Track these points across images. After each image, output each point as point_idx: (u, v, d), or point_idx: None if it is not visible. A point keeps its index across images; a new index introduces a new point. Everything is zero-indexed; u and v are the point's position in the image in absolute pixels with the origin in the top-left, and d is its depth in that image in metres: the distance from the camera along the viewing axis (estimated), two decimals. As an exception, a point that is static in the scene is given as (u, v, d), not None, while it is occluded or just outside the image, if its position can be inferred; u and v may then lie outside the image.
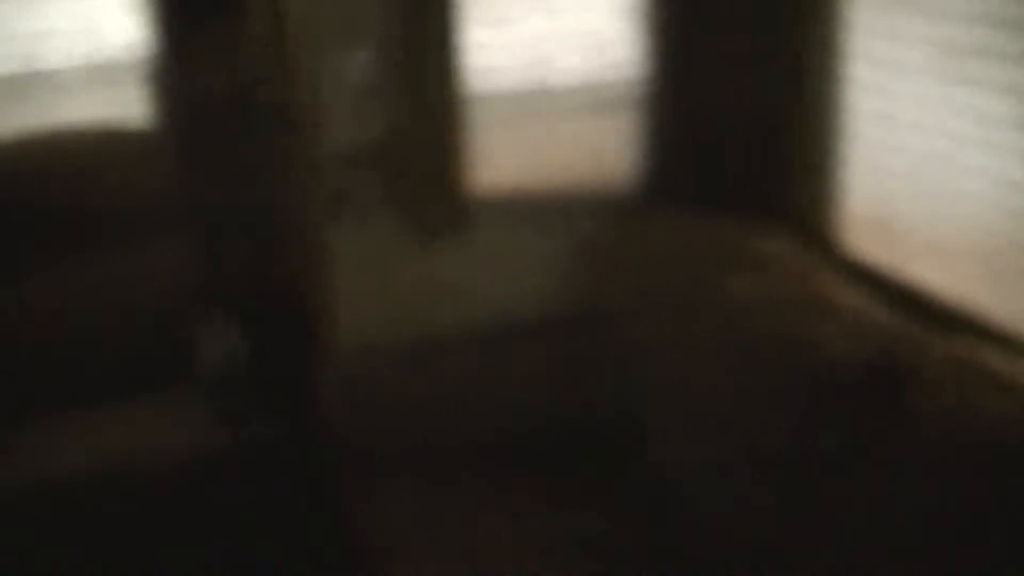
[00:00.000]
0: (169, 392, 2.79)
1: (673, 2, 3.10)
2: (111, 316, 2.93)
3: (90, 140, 3.08)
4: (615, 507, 2.45)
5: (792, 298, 2.59)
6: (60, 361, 2.89)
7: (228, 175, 3.12)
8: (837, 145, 2.94)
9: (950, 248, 2.65)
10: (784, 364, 2.36)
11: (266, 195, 3.12)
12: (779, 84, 2.97)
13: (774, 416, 2.24)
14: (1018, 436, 1.86)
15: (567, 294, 2.96)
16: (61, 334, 2.92)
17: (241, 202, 3.12)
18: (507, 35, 3.34)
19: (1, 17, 3.15)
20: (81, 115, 3.19)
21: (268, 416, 2.71)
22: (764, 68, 2.94)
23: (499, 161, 3.20)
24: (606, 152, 3.21)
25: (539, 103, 3.33)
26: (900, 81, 2.75)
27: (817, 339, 2.30)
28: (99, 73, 3.20)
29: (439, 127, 3.16)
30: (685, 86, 3.08)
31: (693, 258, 2.91)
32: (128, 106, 3.20)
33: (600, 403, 2.76)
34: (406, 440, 2.74)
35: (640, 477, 2.52)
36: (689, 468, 2.46)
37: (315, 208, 3.01)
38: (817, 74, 2.92)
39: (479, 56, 3.25)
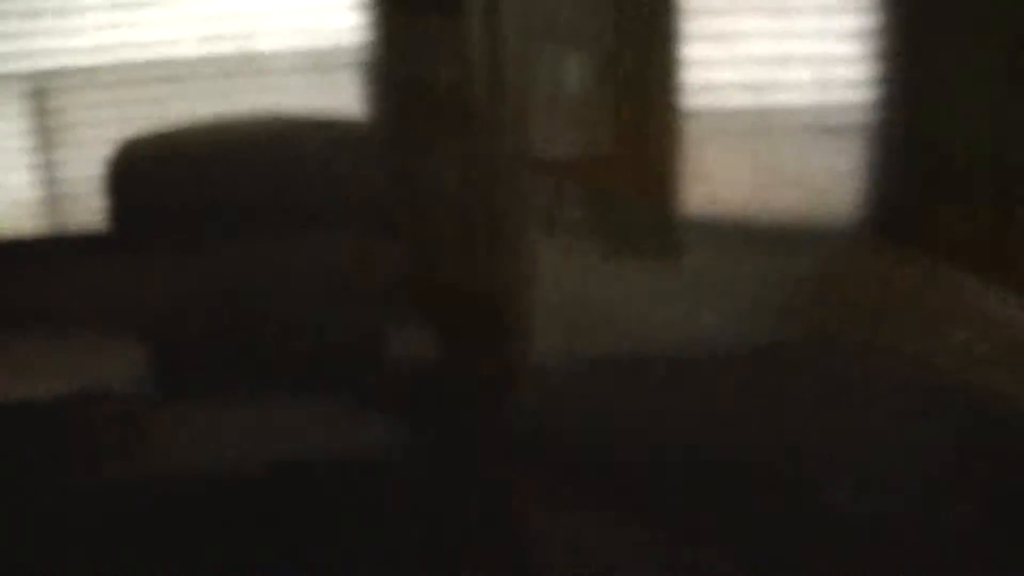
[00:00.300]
0: (354, 389, 2.78)
1: (908, 24, 2.92)
2: (302, 308, 2.94)
3: (301, 127, 3.11)
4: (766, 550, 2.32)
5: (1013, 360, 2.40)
6: (251, 351, 2.92)
7: (433, 173, 3.10)
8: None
9: None
10: (994, 426, 2.17)
11: (469, 197, 3.09)
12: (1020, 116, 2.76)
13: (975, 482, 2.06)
14: None
15: (770, 325, 2.82)
16: (252, 324, 2.95)
17: (444, 202, 3.10)
18: (732, 50, 3.21)
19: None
20: (294, 101, 3.22)
21: (450, 422, 2.66)
22: (1007, 95, 2.73)
23: (713, 181, 3.07)
24: (829, 178, 3.04)
25: (760, 122, 3.18)
26: None
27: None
28: (314, 58, 3.23)
29: (652, 142, 3.06)
30: (918, 112, 2.89)
31: (912, 301, 2.73)
32: (340, 94, 3.23)
33: (780, 441, 2.61)
34: (575, 460, 2.65)
35: (797, 521, 2.37)
36: (858, 520, 2.30)
37: (515, 217, 2.96)
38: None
39: (700, 71, 3.14)
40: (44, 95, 3.28)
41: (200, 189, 3.06)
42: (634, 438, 2.78)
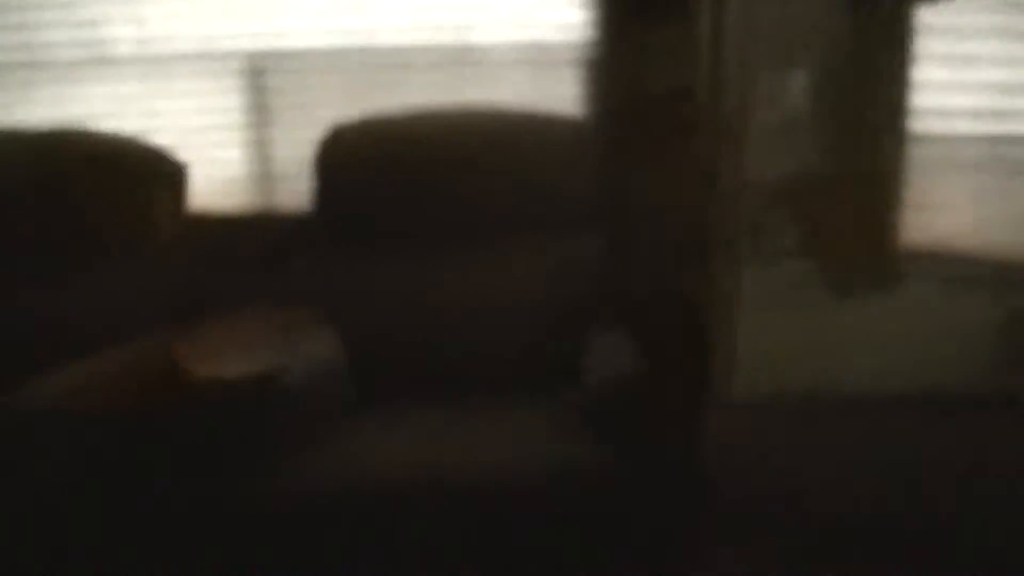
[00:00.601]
0: (549, 397, 2.73)
1: None
2: (503, 309, 2.91)
3: (514, 122, 3.06)
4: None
5: None
6: (439, 355, 2.89)
7: (645, 181, 3.04)
8: None
9: None
10: None
11: (678, 210, 3.01)
12: None
13: None
14: None
15: (995, 372, 2.66)
16: (447, 324, 2.92)
17: (653, 212, 3.03)
18: (968, 76, 3.05)
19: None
20: (508, 95, 3.19)
21: (642, 441, 2.59)
22: None
23: (939, 213, 2.92)
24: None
25: (991, 154, 3.02)
26: None
27: None
28: (532, 54, 3.19)
29: (876, 167, 2.93)
30: None
31: None
32: (555, 91, 3.19)
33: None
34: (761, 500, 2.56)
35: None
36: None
37: (724, 236, 2.86)
38: None
39: (932, 95, 2.99)
40: (262, 74, 3.32)
41: (406, 179, 3.04)
42: (831, 488, 2.63)
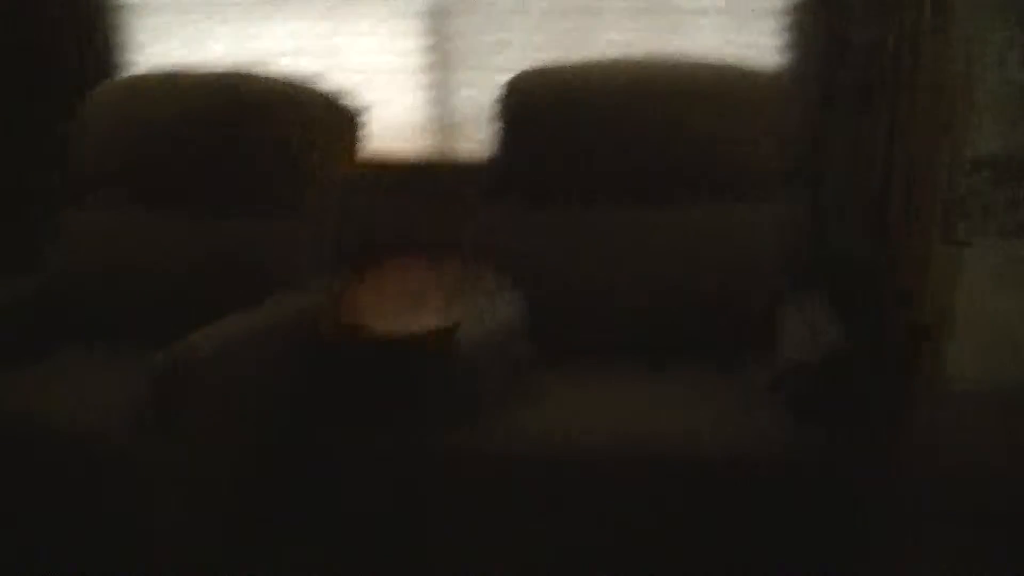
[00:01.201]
0: (732, 369, 2.60)
1: None
2: (692, 270, 2.78)
3: (707, 74, 2.91)
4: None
5: None
6: (622, 315, 2.78)
7: (843, 141, 2.87)
8: None
9: None
10: None
11: (885, 174, 2.84)
12: None
13: None
14: None
15: None
16: (627, 287, 2.80)
17: (856, 173, 2.86)
18: None
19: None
20: (704, 44, 3.05)
21: (843, 420, 2.44)
22: None
23: None
24: None
25: None
26: None
27: None
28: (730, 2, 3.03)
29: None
30: None
31: None
32: (753, 41, 3.04)
33: None
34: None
35: None
36: None
37: (934, 212, 2.64)
38: None
39: None
40: (443, 16, 3.24)
41: (590, 131, 2.92)
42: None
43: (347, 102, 3.06)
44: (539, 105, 2.93)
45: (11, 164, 3.43)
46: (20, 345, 2.90)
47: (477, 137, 3.17)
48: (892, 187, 2.72)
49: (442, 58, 3.22)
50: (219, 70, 3.13)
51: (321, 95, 3.02)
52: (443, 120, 3.28)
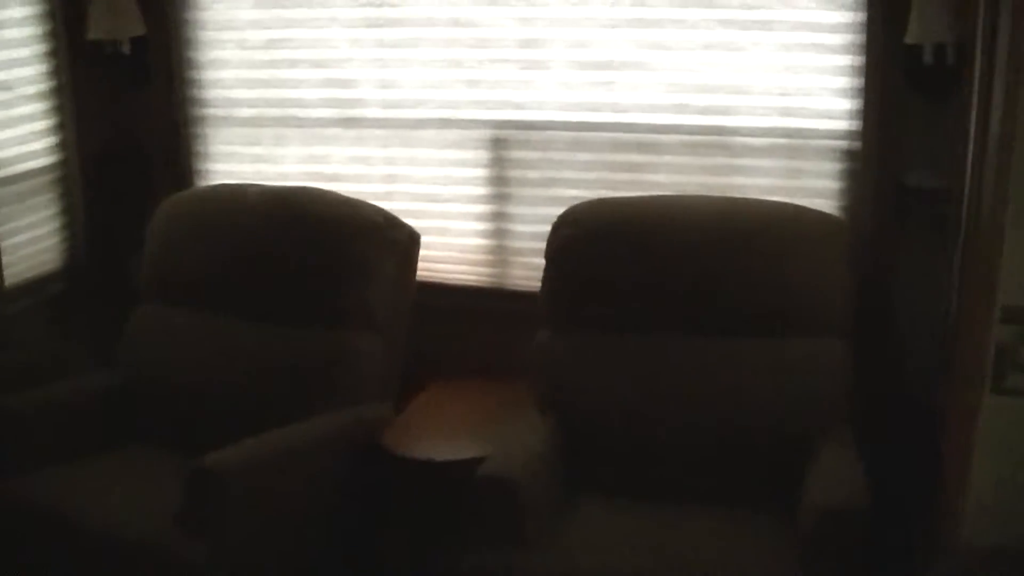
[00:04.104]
0: (769, 507, 2.74)
1: None
2: (732, 406, 2.93)
3: (763, 212, 3.06)
4: None
5: None
6: (660, 449, 2.94)
7: (901, 281, 3.00)
8: None
9: None
10: None
11: (929, 317, 2.98)
12: None
13: None
14: None
15: None
16: (669, 417, 2.96)
17: (907, 316, 3.00)
18: None
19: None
20: (762, 183, 3.24)
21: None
22: None
23: None
24: None
25: None
26: None
27: None
28: (789, 143, 3.21)
29: None
30: None
31: None
32: (809, 183, 3.22)
33: None
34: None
35: None
36: None
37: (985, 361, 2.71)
38: None
39: None
40: (502, 147, 3.47)
41: (639, 267, 3.11)
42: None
43: (407, 225, 3.35)
44: (592, 237, 3.14)
45: (97, 264, 3.78)
46: (86, 440, 3.20)
47: (531, 266, 3.42)
48: (946, 331, 2.86)
49: (500, 189, 3.49)
50: (287, 187, 3.46)
51: (383, 216, 3.32)
52: (499, 248, 3.54)
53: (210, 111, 3.74)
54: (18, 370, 3.40)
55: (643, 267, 3.10)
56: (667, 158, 3.33)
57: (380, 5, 3.48)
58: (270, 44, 3.62)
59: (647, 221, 3.14)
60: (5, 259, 3.42)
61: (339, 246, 3.26)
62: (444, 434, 3.21)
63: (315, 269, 3.27)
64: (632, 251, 3.11)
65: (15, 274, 3.50)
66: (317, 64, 3.58)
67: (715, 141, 3.28)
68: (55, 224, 3.69)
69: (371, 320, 3.25)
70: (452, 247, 3.57)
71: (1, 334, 3.39)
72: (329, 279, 3.26)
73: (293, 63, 3.61)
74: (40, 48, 3.55)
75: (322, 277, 3.26)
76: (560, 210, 3.23)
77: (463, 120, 3.47)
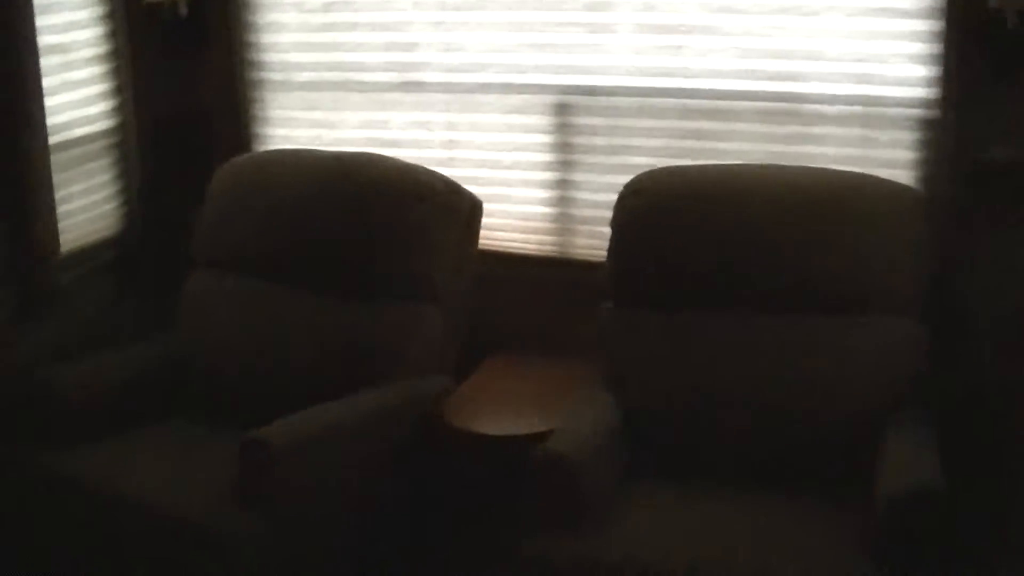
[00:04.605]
0: (832, 498, 2.68)
1: None
2: (802, 389, 2.87)
3: (837, 183, 2.98)
4: None
5: None
6: (725, 431, 2.89)
7: (977, 260, 2.93)
8: None
9: None
10: None
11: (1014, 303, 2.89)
12: None
13: None
14: None
15: None
16: (735, 399, 2.91)
17: (988, 296, 2.94)
18: None
19: None
20: (836, 153, 3.15)
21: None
22: None
23: None
24: None
25: None
26: None
27: None
28: (868, 111, 3.12)
29: None
30: None
31: None
32: (886, 153, 3.14)
33: None
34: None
35: None
36: None
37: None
38: None
39: None
40: (567, 112, 3.41)
41: (709, 239, 3.00)
42: None
43: (468, 193, 3.30)
44: (660, 208, 3.08)
45: (153, 230, 3.78)
46: (135, 413, 3.19)
47: (596, 235, 3.36)
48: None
49: (565, 156, 3.43)
50: (346, 152, 3.43)
51: (444, 183, 3.27)
52: (563, 216, 3.48)
53: (268, 75, 3.71)
54: (73, 339, 3.40)
55: (711, 240, 3.03)
56: (737, 126, 3.25)
57: (443, -37, 3.42)
58: (329, 7, 3.57)
59: (716, 192, 3.07)
60: (61, 225, 3.39)
61: (398, 213, 3.21)
62: (504, 409, 3.18)
63: (373, 238, 3.23)
64: (700, 223, 3.04)
65: (70, 240, 3.47)
66: (378, 27, 3.53)
67: (786, 108, 3.19)
68: (111, 190, 3.66)
69: (431, 290, 3.21)
70: (514, 215, 3.52)
71: (56, 301, 3.37)
72: (388, 248, 3.22)
73: (353, 26, 3.56)
74: (96, 11, 3.51)
75: (380, 246, 3.22)
76: (626, 178, 3.17)
77: (527, 85, 3.41)
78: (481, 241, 3.38)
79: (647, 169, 3.19)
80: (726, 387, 2.94)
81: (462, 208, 3.28)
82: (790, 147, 3.22)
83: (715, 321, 3.01)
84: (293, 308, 3.29)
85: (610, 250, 3.13)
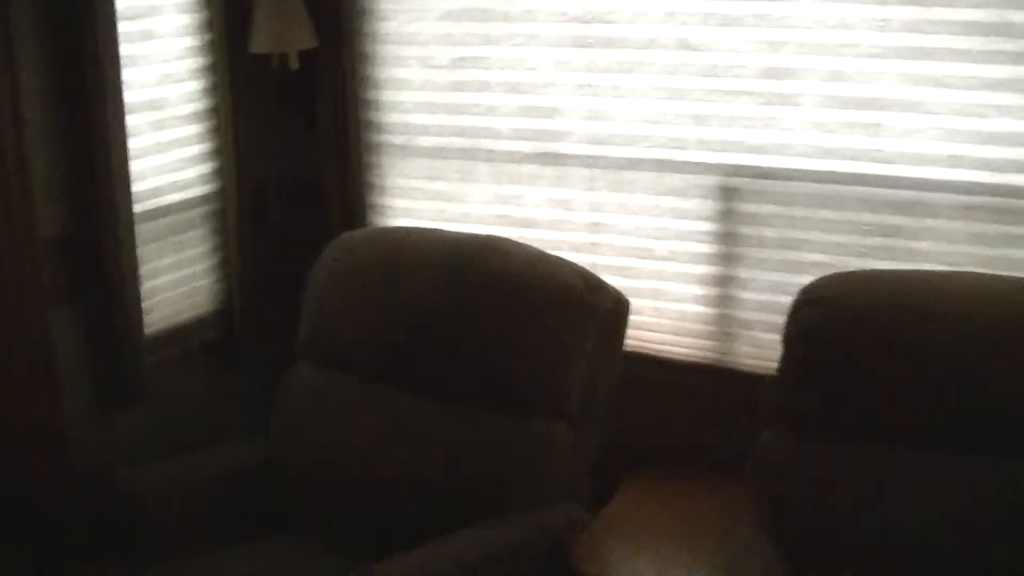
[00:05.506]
0: None
1: None
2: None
3: None
4: None
5: None
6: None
7: None
8: None
9: None
10: None
11: None
12: None
13: None
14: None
15: None
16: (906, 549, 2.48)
17: None
18: None
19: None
20: None
21: None
22: None
23: None
24: None
25: None
26: None
27: None
28: None
29: None
30: None
31: None
32: None
33: None
34: None
35: None
36: None
37: None
38: None
39: None
40: (732, 198, 3.01)
41: (908, 361, 2.55)
42: None
43: (613, 290, 2.89)
44: (845, 323, 2.61)
45: (251, 312, 3.46)
46: (227, 526, 2.92)
47: (762, 343, 2.96)
48: None
49: (728, 248, 3.00)
50: (473, 237, 3.05)
51: (584, 279, 2.87)
52: (723, 318, 3.06)
53: (387, 138, 3.35)
54: (159, 434, 3.15)
55: (905, 365, 2.54)
56: (936, 222, 2.79)
57: (590, 21, 3.01)
58: (458, 63, 3.20)
59: (914, 305, 2.58)
60: (147, 303, 3.10)
61: (530, 316, 2.82)
62: (645, 550, 2.76)
63: (499, 340, 2.85)
64: (893, 343, 2.55)
65: (158, 320, 3.17)
66: (512, 88, 3.15)
67: (997, 204, 2.72)
68: (206, 264, 3.34)
69: (563, 405, 2.81)
70: (666, 313, 3.12)
71: (139, 391, 3.09)
72: (515, 354, 2.83)
73: (484, 86, 3.19)
74: (195, 63, 3.19)
75: (507, 351, 2.84)
76: (800, 278, 2.75)
77: (686, 163, 2.99)
78: (625, 341, 2.96)
79: (825, 270, 2.75)
80: (910, 534, 2.47)
81: (604, 309, 2.87)
82: (997, 250, 2.75)
83: (908, 462, 2.53)
84: (403, 415, 2.94)
85: (780, 368, 2.68)
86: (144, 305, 3.10)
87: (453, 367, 2.91)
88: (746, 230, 2.97)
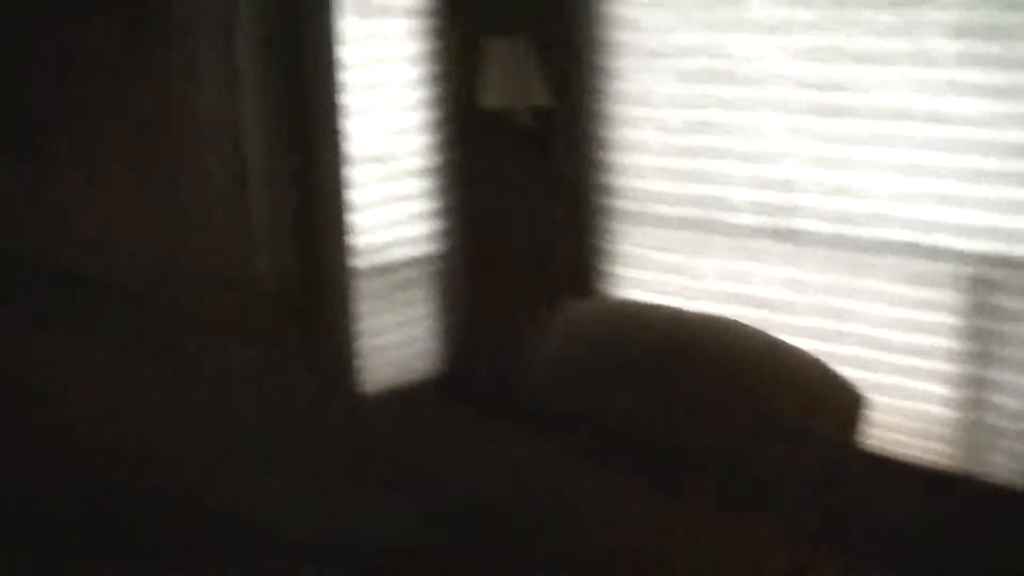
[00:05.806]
0: None
1: None
2: None
3: None
4: None
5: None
6: None
7: None
8: None
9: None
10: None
11: None
12: None
13: None
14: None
15: None
16: None
17: None
18: None
19: None
20: None
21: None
22: None
23: None
24: None
25: None
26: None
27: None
28: None
29: None
30: None
31: None
32: None
33: None
34: None
35: None
36: None
37: None
38: None
39: None
40: (992, 290, 2.69)
41: None
42: None
43: (849, 384, 2.61)
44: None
45: (475, 376, 3.35)
46: None
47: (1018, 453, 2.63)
48: None
49: (981, 344, 2.67)
50: (702, 317, 2.85)
51: (818, 370, 2.62)
52: (975, 425, 2.75)
53: (620, 203, 3.18)
54: None
55: None
56: None
57: (832, 89, 2.75)
58: (693, 127, 3.00)
59: None
60: (365, 363, 3.05)
61: (756, 408, 2.58)
62: None
63: (724, 431, 2.61)
64: None
65: (377, 381, 3.10)
66: (747, 158, 2.93)
67: None
68: (428, 324, 3.27)
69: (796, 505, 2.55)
70: (905, 413, 2.81)
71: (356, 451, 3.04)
72: (739, 447, 2.58)
73: (719, 153, 2.98)
74: (424, 116, 3.13)
75: (732, 442, 2.59)
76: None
77: (934, 249, 2.69)
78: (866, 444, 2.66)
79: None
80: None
81: (839, 405, 2.61)
82: None
83: None
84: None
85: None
86: (363, 364, 3.04)
87: (669, 449, 2.70)
88: (1004, 327, 2.63)
